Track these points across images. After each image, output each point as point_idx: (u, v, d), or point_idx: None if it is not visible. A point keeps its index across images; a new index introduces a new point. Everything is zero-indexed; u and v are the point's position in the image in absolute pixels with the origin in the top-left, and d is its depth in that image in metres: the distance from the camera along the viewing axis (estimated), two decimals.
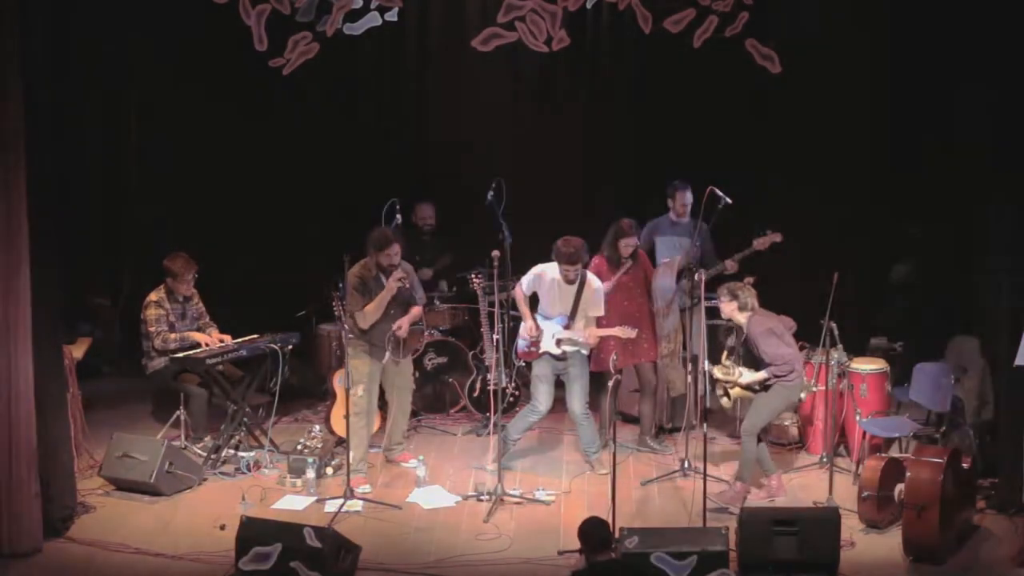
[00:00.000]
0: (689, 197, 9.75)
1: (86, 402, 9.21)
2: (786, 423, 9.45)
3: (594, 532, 6.39)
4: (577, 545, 6.73)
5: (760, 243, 9.31)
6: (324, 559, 7.07)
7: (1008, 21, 8.17)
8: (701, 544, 7.08)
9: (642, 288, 9.28)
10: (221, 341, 9.37)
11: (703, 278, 8.38)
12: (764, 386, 8.31)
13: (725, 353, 8.54)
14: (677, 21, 9.85)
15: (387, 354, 8.73)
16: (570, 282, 8.73)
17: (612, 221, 9.26)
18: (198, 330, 9.46)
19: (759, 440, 8.36)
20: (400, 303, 8.83)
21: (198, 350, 9.16)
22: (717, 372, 8.47)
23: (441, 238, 10.86)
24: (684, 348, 9.42)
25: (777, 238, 9.27)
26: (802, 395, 8.55)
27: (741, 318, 8.30)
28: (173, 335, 9.26)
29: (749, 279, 8.76)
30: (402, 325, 8.79)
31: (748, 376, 8.35)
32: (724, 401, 8.62)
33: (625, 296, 9.20)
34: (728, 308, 8.33)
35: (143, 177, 11.55)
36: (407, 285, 8.78)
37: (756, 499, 8.36)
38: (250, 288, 11.38)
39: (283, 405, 9.61)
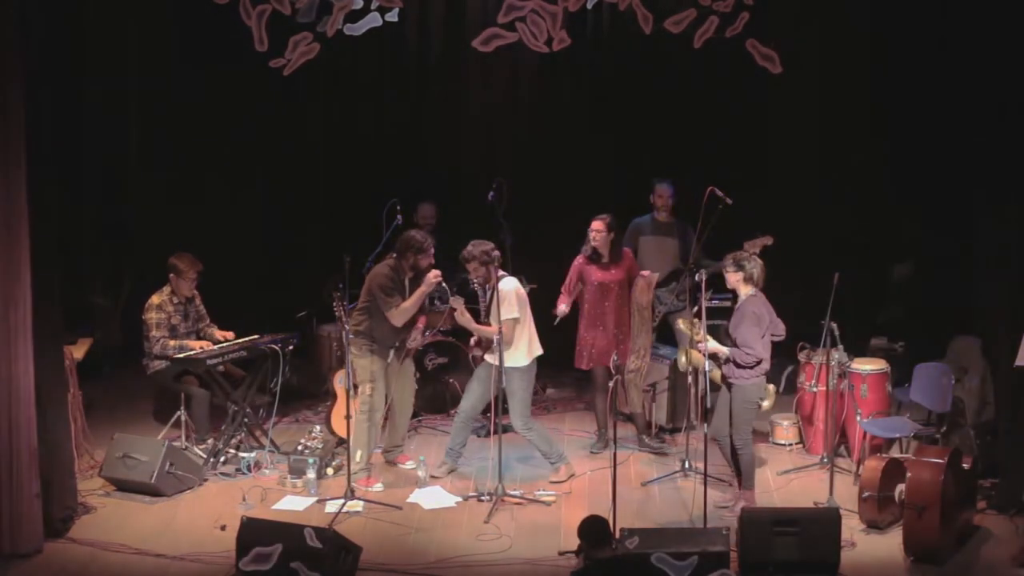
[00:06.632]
0: (668, 190, 9.76)
1: (87, 403, 9.22)
2: (784, 423, 9.45)
3: (593, 529, 6.42)
4: (577, 545, 6.73)
5: (750, 245, 9.23)
6: (325, 560, 7.08)
7: (1006, 19, 8.18)
8: (702, 544, 7.08)
9: (624, 289, 9.24)
10: (224, 340, 9.41)
11: (704, 278, 8.33)
12: (723, 377, 8.17)
13: (695, 310, 8.35)
14: (678, 21, 9.83)
15: (391, 353, 8.76)
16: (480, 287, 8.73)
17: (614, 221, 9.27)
18: (199, 332, 9.47)
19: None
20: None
21: (198, 351, 9.15)
22: (681, 323, 8.40)
23: (442, 238, 10.83)
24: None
25: (768, 241, 9.20)
26: (764, 402, 8.36)
27: (744, 290, 8.09)
28: (173, 342, 9.24)
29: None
30: (416, 338, 8.98)
31: (714, 344, 8.13)
32: (681, 360, 8.60)
33: (604, 295, 9.18)
34: (733, 279, 8.11)
35: (143, 177, 11.54)
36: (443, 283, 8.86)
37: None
38: (250, 288, 11.38)
39: (284, 406, 9.62)
